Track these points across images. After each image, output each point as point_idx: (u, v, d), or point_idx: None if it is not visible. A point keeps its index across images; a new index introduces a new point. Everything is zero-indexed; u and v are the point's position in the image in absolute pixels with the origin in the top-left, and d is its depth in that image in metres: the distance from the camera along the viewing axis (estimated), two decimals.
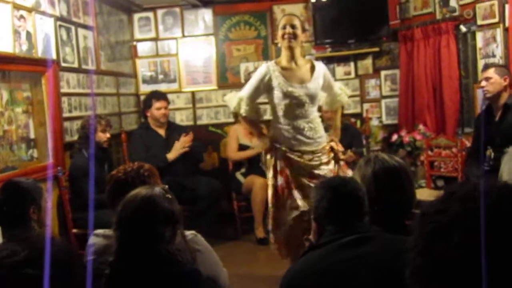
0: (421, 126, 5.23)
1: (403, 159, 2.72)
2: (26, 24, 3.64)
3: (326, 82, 3.50)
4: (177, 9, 5.96)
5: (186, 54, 5.99)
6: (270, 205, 3.47)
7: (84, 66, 4.55)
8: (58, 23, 4.14)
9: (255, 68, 4.98)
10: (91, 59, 4.71)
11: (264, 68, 3.44)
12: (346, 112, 5.44)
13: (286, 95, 3.36)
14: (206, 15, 5.96)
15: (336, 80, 4.67)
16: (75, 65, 4.41)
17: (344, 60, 5.89)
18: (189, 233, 2.10)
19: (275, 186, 3.41)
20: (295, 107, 3.38)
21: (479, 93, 4.54)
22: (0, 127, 3.40)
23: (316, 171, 3.37)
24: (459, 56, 5.08)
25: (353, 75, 5.91)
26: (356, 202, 1.82)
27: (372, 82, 5.90)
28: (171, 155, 4.81)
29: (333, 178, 2.36)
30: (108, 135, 4.17)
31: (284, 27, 3.38)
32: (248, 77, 4.83)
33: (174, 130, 5.10)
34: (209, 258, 2.17)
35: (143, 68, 5.99)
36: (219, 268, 2.24)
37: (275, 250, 3.57)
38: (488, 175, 3.48)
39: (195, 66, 6.00)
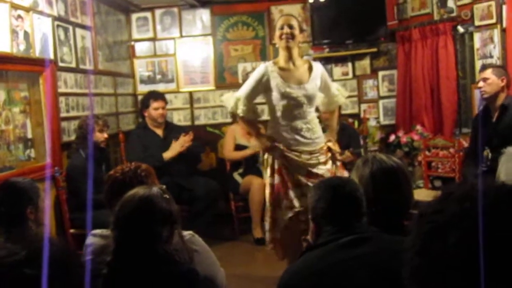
0: (418, 127, 5.23)
1: (401, 159, 2.72)
2: (23, 23, 3.64)
3: (323, 83, 3.50)
4: (175, 9, 5.95)
5: (184, 54, 5.98)
6: (267, 204, 3.47)
7: (81, 66, 4.54)
8: (56, 23, 4.13)
9: (253, 69, 4.99)
10: (88, 59, 4.70)
11: (262, 68, 3.43)
12: (343, 112, 5.44)
13: (284, 96, 3.35)
14: (204, 15, 5.96)
15: (333, 80, 4.68)
16: (73, 65, 4.40)
17: (341, 60, 5.89)
18: (186, 233, 2.10)
19: (272, 185, 3.41)
20: (293, 108, 3.37)
21: (476, 94, 4.55)
22: None
23: (314, 170, 3.37)
24: (457, 57, 5.08)
25: (350, 75, 5.91)
26: (354, 203, 1.82)
27: (369, 82, 5.90)
28: (167, 154, 4.80)
29: (331, 179, 2.37)
30: (105, 135, 4.17)
31: (281, 28, 3.37)
32: (246, 77, 4.83)
33: (172, 130, 5.09)
34: (206, 258, 2.17)
35: (141, 68, 5.98)
36: (217, 268, 2.25)
37: (271, 250, 3.57)
38: (486, 175, 3.48)
39: (193, 66, 6.00)
